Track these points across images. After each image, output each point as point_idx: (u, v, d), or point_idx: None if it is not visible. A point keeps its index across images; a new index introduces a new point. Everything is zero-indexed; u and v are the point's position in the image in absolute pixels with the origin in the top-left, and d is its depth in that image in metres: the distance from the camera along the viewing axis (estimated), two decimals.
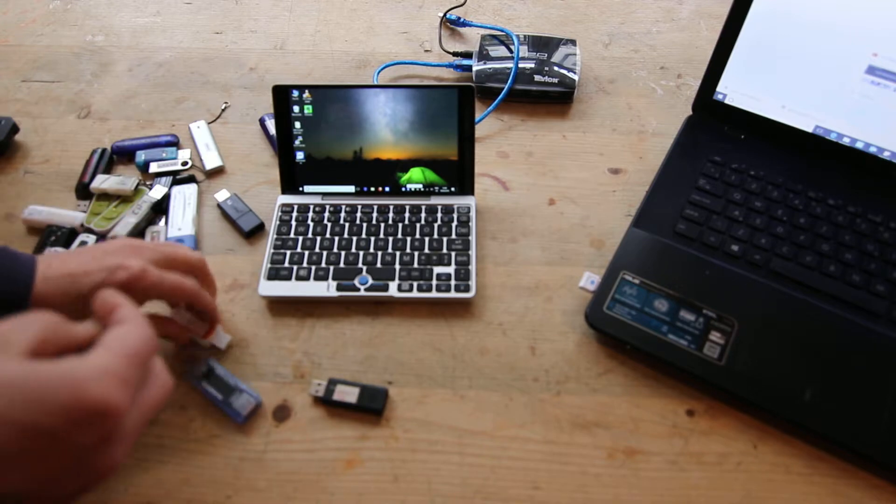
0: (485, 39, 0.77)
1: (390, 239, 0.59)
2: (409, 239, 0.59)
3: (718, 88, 0.65)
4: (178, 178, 0.65)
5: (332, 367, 0.53)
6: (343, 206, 0.61)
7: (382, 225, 0.60)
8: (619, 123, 0.71)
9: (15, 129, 0.69)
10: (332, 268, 0.57)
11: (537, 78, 0.72)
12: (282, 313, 0.56)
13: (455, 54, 0.76)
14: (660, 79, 0.76)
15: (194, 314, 0.51)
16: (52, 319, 0.34)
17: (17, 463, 0.30)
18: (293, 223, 0.60)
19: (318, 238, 0.59)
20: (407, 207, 0.61)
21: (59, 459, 0.31)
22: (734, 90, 0.65)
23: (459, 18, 0.81)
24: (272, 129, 0.68)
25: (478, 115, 0.69)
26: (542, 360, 0.54)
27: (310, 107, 0.59)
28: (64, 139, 0.70)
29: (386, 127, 0.59)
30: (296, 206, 0.61)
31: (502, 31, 0.77)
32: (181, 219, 0.61)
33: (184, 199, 0.63)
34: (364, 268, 0.57)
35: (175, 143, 0.69)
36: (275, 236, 0.59)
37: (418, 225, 0.60)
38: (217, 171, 0.67)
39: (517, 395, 0.52)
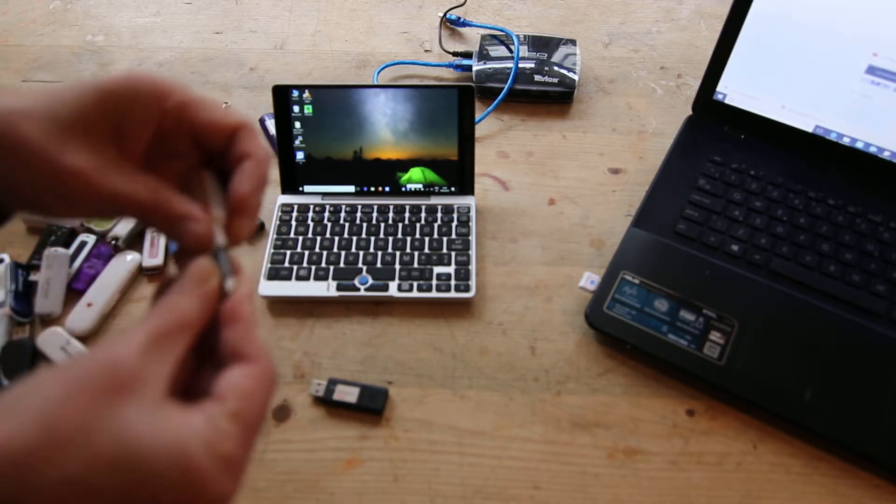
0: (485, 39, 0.77)
1: (390, 239, 0.59)
2: (409, 239, 0.59)
3: (718, 88, 0.65)
4: None
5: (332, 367, 0.53)
6: (343, 206, 0.61)
7: (382, 225, 0.60)
8: (619, 123, 0.71)
9: None
10: (332, 268, 0.57)
11: (537, 78, 0.72)
12: (282, 313, 0.56)
13: (455, 54, 0.76)
14: (660, 79, 0.76)
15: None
16: (190, 325, 0.26)
17: None
18: (293, 223, 0.60)
19: (319, 238, 0.59)
20: (407, 207, 0.61)
21: None
22: (734, 90, 0.65)
23: (459, 18, 0.81)
24: (272, 129, 0.68)
25: (478, 115, 0.69)
26: (542, 360, 0.54)
27: (310, 107, 0.59)
28: None
29: (386, 127, 0.59)
30: (296, 206, 0.61)
31: (502, 31, 0.77)
32: None
33: None
34: (364, 268, 0.57)
35: None
36: (275, 236, 0.59)
37: (418, 225, 0.60)
38: None
39: (517, 395, 0.52)
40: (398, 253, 0.58)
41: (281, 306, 0.57)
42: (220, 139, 0.29)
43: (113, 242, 0.59)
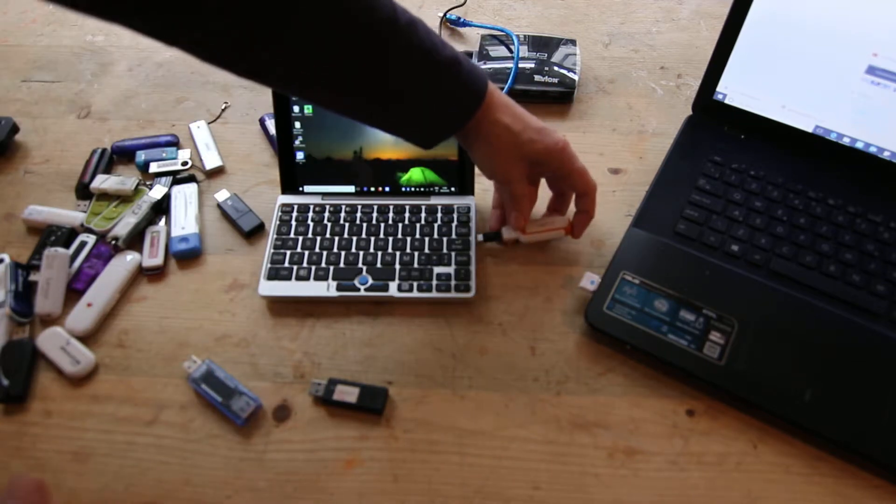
0: (485, 39, 0.77)
1: (390, 239, 0.59)
2: (409, 239, 0.59)
3: (718, 88, 0.65)
4: (178, 178, 0.65)
5: (332, 367, 0.53)
6: (343, 207, 0.61)
7: (382, 225, 0.60)
8: (619, 123, 0.71)
9: (15, 129, 0.69)
10: (332, 268, 0.57)
11: (537, 78, 0.72)
12: (282, 313, 0.56)
13: None
14: (660, 79, 0.76)
15: None
16: None
17: None
18: (293, 223, 0.60)
19: (318, 238, 0.59)
20: (407, 207, 0.61)
21: None
22: (734, 90, 0.65)
23: (459, 18, 0.81)
24: (272, 129, 0.68)
25: None
26: (542, 360, 0.54)
27: (310, 107, 0.59)
28: (64, 139, 0.70)
29: None
30: (296, 206, 0.61)
31: (502, 31, 0.77)
32: (184, 218, 0.61)
33: (184, 198, 0.63)
34: (364, 268, 0.57)
35: (175, 143, 0.69)
36: (275, 236, 0.59)
37: (418, 225, 0.60)
38: (217, 171, 0.67)
39: (517, 395, 0.52)
40: (398, 253, 0.58)
41: (281, 306, 0.57)
42: (578, 187, 0.55)
43: (113, 242, 0.59)
